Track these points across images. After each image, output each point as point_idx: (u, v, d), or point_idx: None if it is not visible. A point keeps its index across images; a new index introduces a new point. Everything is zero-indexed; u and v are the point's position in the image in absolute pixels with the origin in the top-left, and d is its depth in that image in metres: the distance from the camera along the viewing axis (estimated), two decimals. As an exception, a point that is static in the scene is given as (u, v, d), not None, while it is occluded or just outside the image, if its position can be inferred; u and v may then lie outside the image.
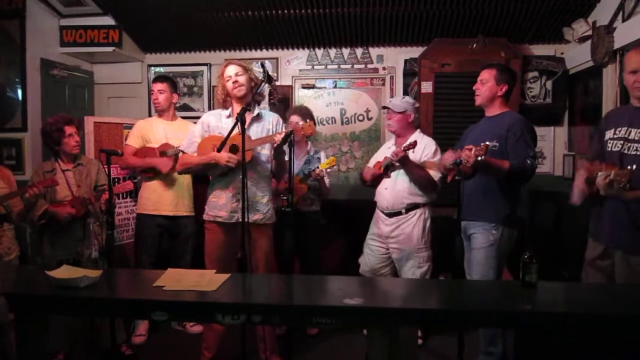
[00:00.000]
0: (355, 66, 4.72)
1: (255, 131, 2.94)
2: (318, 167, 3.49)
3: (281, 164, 2.91)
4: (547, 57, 4.39)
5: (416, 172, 3.20)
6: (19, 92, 4.16)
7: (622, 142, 2.42)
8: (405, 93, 4.53)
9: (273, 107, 4.53)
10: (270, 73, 3.21)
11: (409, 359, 2.02)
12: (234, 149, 2.80)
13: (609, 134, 2.52)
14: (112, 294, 2.22)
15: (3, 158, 4.12)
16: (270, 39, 4.64)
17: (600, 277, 2.51)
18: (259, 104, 3.08)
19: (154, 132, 3.59)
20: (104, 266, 2.84)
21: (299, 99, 4.78)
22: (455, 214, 2.68)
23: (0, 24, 4.13)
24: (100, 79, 4.99)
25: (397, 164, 3.18)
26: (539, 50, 4.47)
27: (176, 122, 3.70)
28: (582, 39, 3.98)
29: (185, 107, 4.87)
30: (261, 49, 4.79)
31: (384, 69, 4.69)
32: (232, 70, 2.91)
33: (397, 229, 3.29)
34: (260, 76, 2.91)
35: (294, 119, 3.59)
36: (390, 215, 3.31)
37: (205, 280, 2.20)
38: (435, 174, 3.20)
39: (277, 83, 4.68)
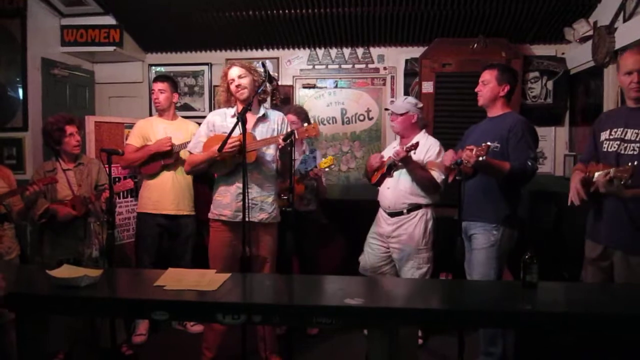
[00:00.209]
0: (356, 66, 4.72)
1: (260, 131, 2.94)
2: (316, 167, 3.50)
3: (286, 164, 2.91)
4: (548, 57, 4.39)
5: (418, 173, 3.19)
6: (20, 91, 4.16)
7: (618, 142, 2.43)
8: (406, 93, 4.53)
9: (275, 108, 4.53)
10: (271, 73, 3.21)
11: (409, 359, 2.02)
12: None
13: (604, 135, 2.52)
14: (113, 293, 2.22)
15: (4, 157, 4.12)
16: (271, 38, 4.64)
17: (600, 277, 2.51)
18: (265, 102, 3.08)
19: (154, 131, 3.59)
20: (104, 266, 2.84)
21: (300, 98, 4.79)
22: (456, 215, 2.69)
23: (1, 23, 4.13)
24: (101, 79, 4.99)
25: (400, 164, 3.18)
26: (540, 50, 4.47)
27: (177, 121, 3.70)
28: (583, 39, 3.98)
29: (186, 107, 4.88)
30: (262, 49, 4.80)
31: (384, 68, 4.69)
32: (235, 72, 2.91)
33: (398, 229, 3.29)
34: (263, 75, 2.92)
35: (290, 118, 3.59)
36: (392, 215, 3.31)
37: (206, 280, 2.21)
38: (437, 175, 3.20)
39: (278, 82, 4.68)
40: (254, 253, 2.87)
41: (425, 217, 3.27)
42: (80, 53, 4.67)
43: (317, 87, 4.77)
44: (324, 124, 4.75)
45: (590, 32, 3.87)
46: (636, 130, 2.36)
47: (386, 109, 3.49)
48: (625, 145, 2.39)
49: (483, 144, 2.53)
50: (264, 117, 2.98)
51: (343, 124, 4.77)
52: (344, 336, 3.51)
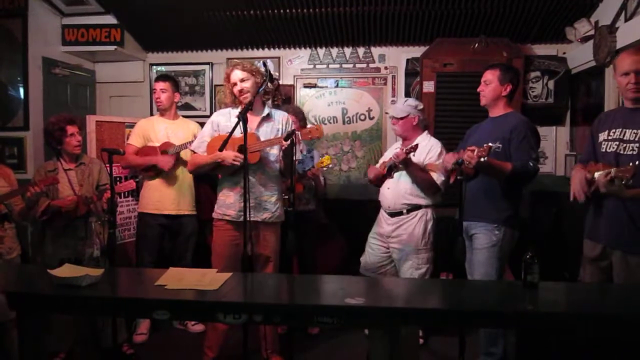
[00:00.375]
0: (357, 65, 4.72)
1: (264, 131, 2.94)
2: (314, 167, 3.49)
3: (290, 164, 2.91)
4: (549, 57, 4.39)
5: (418, 174, 3.19)
6: (21, 91, 4.16)
7: (617, 142, 2.43)
8: (407, 93, 4.53)
9: (277, 108, 4.53)
10: (272, 72, 3.20)
11: (410, 359, 2.02)
12: (241, 149, 2.79)
13: (603, 135, 2.52)
14: (114, 293, 2.22)
15: (5, 157, 4.13)
16: (272, 38, 4.64)
17: (599, 277, 2.51)
18: (268, 102, 3.08)
19: (155, 131, 3.59)
20: (105, 265, 2.84)
21: (301, 98, 4.79)
22: (456, 214, 2.68)
23: (3, 22, 4.14)
24: (102, 78, 5.00)
25: (400, 165, 3.18)
26: (541, 50, 4.47)
27: (178, 121, 3.70)
28: (585, 39, 3.98)
29: (187, 106, 4.88)
30: (263, 48, 4.80)
31: (385, 68, 4.69)
32: (237, 76, 2.91)
33: (398, 229, 3.29)
34: (264, 74, 2.91)
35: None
36: (392, 215, 3.31)
37: (207, 279, 2.21)
38: (437, 177, 3.19)
39: (279, 82, 4.67)
40: (257, 252, 2.88)
41: (425, 217, 3.27)
42: (81, 52, 4.67)
43: (318, 87, 4.77)
44: (325, 124, 4.75)
45: (592, 32, 3.87)
46: (635, 130, 2.37)
47: (386, 113, 3.47)
48: (625, 145, 2.39)
49: (485, 145, 2.52)
50: (268, 117, 2.98)
51: (344, 123, 4.78)
52: (345, 336, 3.51)
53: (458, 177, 2.62)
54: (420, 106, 3.40)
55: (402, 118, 3.31)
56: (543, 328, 1.95)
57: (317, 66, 4.78)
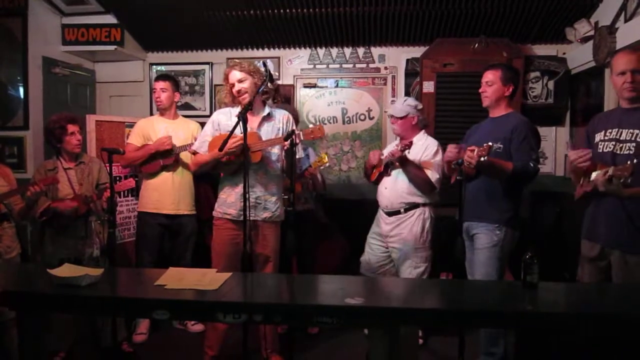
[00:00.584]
0: (357, 65, 4.72)
1: (265, 131, 2.94)
2: (310, 166, 3.50)
3: (292, 163, 2.91)
4: (549, 57, 4.39)
5: (413, 172, 3.20)
6: (21, 90, 4.16)
7: (613, 142, 2.44)
8: (407, 93, 4.53)
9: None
10: (272, 72, 3.21)
11: (409, 359, 2.02)
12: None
13: (599, 136, 2.53)
14: (114, 292, 2.22)
15: (5, 156, 4.13)
16: (272, 38, 4.64)
17: (598, 277, 2.51)
18: (273, 100, 3.08)
19: (155, 130, 3.59)
20: (105, 265, 2.84)
21: (301, 98, 4.79)
22: (456, 214, 2.68)
23: (3, 22, 4.13)
24: (102, 78, 5.00)
25: (397, 163, 3.19)
26: (541, 50, 4.47)
27: (178, 120, 3.70)
28: (584, 39, 3.98)
29: (187, 106, 4.88)
30: (263, 48, 4.80)
31: (385, 68, 4.69)
32: (235, 76, 2.90)
33: (396, 228, 3.29)
34: (264, 74, 2.91)
35: None
36: (389, 214, 3.32)
37: (207, 279, 2.21)
38: (432, 174, 3.20)
39: (279, 82, 4.67)
40: (257, 251, 2.88)
41: (422, 216, 3.28)
42: (81, 52, 4.67)
43: (318, 87, 4.77)
44: (325, 124, 4.74)
45: (592, 32, 3.87)
46: (631, 130, 2.38)
47: (386, 111, 3.48)
48: (621, 145, 2.40)
49: (485, 145, 2.53)
50: (269, 116, 2.98)
51: (344, 123, 4.78)
52: (345, 336, 3.52)
53: (458, 177, 2.62)
54: (420, 106, 3.42)
55: (401, 118, 3.32)
56: (543, 328, 1.95)
57: (317, 66, 4.78)
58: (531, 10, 4.00)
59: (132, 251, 3.82)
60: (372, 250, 3.45)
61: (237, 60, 3.03)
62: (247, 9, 4.24)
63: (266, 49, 4.80)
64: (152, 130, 3.59)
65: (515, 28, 4.23)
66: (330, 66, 4.76)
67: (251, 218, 2.71)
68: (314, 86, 4.77)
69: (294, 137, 2.63)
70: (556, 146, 4.51)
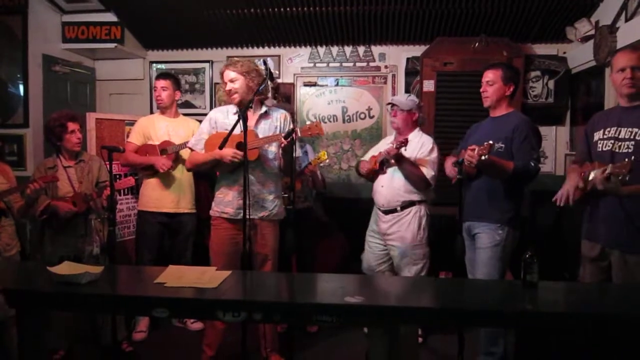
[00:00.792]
0: (357, 64, 4.72)
1: (262, 129, 2.93)
2: (310, 163, 3.50)
3: (290, 162, 2.90)
4: (549, 56, 4.39)
5: (409, 169, 3.20)
6: (21, 88, 4.16)
7: (612, 141, 2.44)
8: (407, 91, 4.52)
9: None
10: (272, 71, 3.20)
11: (409, 358, 2.02)
12: (240, 147, 2.79)
13: (597, 135, 2.53)
14: (113, 290, 2.22)
15: (5, 154, 4.12)
16: (272, 36, 4.64)
17: (599, 277, 2.51)
18: (266, 100, 3.07)
19: (155, 129, 3.59)
20: (105, 263, 2.84)
21: (301, 96, 4.79)
22: (457, 214, 2.68)
23: (3, 19, 4.13)
24: (102, 76, 5.00)
25: (392, 160, 3.19)
26: (542, 49, 4.47)
27: (178, 119, 3.70)
28: (585, 39, 3.98)
29: (187, 104, 4.88)
30: (263, 47, 4.79)
31: (386, 67, 4.69)
32: (228, 76, 2.89)
33: (393, 226, 3.30)
34: (264, 72, 2.90)
35: None
36: (386, 212, 3.32)
37: (206, 277, 2.21)
38: (427, 172, 3.21)
39: (279, 80, 4.67)
40: (255, 250, 2.88)
41: (419, 213, 3.28)
42: (81, 50, 4.67)
43: (318, 85, 4.77)
44: (325, 122, 4.75)
45: (592, 32, 3.87)
46: (630, 129, 2.38)
47: (389, 104, 3.47)
48: (620, 143, 2.40)
49: (485, 143, 2.52)
50: (265, 114, 2.98)
51: (344, 122, 4.78)
52: (344, 334, 3.52)
53: (458, 177, 2.61)
54: (421, 104, 3.45)
55: (405, 111, 3.32)
56: (543, 328, 1.95)
57: (318, 65, 4.77)
58: (531, 9, 4.00)
59: (132, 249, 3.82)
60: (371, 249, 3.46)
61: (235, 59, 3.02)
62: (248, 7, 4.23)
63: (266, 48, 4.79)
64: (153, 128, 3.59)
65: (515, 27, 4.23)
66: (331, 65, 4.76)
67: (249, 216, 2.70)
68: (314, 85, 4.77)
69: (293, 135, 2.63)
70: (556, 146, 4.51)
